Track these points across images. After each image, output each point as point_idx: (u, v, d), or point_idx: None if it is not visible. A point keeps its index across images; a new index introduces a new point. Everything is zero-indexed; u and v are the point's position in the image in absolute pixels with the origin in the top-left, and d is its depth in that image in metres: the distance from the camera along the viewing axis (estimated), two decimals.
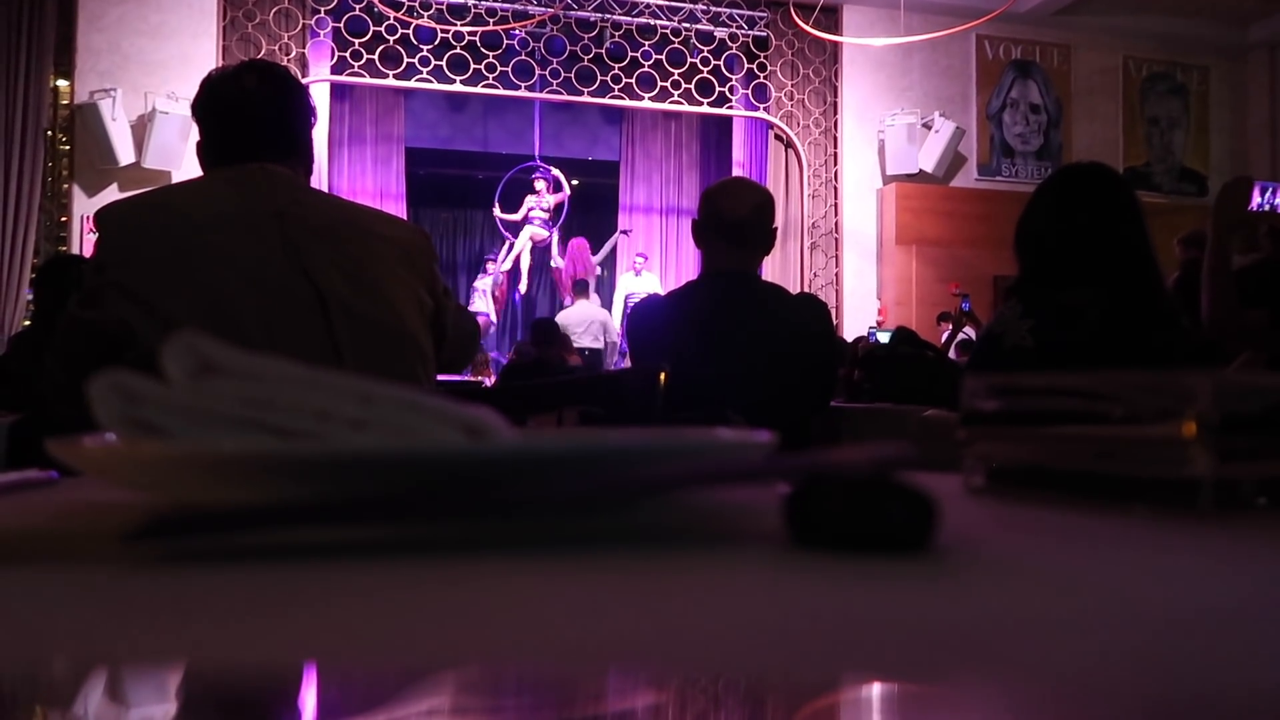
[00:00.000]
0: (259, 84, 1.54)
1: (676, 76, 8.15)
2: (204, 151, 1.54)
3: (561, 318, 7.64)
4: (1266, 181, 2.39)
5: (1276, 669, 0.23)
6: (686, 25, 8.15)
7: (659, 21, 8.13)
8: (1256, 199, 2.48)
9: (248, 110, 1.51)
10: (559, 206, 9.20)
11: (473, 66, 7.77)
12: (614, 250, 9.52)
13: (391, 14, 7.52)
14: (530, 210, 9.13)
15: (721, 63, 8.24)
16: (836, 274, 8.31)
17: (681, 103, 8.26)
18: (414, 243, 1.52)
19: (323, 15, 7.48)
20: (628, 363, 6.49)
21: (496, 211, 9.26)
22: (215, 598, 0.30)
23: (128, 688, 0.23)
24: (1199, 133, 9.15)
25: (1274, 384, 0.45)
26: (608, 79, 8.11)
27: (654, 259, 9.12)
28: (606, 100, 8.27)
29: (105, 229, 1.40)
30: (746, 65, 8.33)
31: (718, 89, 8.27)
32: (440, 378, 1.63)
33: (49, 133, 6.89)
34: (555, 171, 9.16)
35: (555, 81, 8.05)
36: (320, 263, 1.37)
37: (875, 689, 0.22)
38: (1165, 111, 9.09)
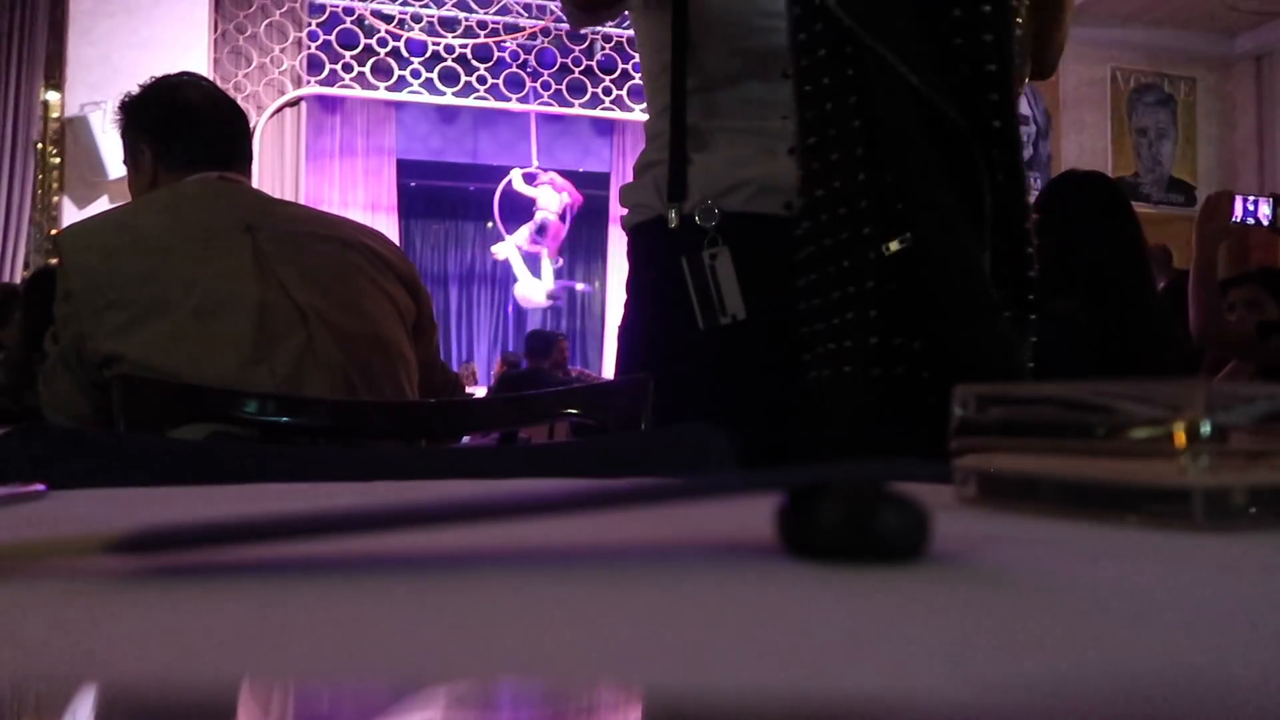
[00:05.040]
0: (204, 94, 1.55)
1: None
2: (157, 161, 1.50)
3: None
4: (1247, 195, 2.43)
5: (1268, 677, 0.23)
6: None
7: None
8: (1238, 211, 2.51)
9: (201, 120, 1.51)
10: (564, 210, 9.01)
11: (464, 79, 7.78)
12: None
13: (383, 26, 7.54)
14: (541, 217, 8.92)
15: None
16: None
17: None
18: (390, 247, 1.53)
19: (314, 28, 7.48)
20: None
21: (500, 228, 9.08)
22: (201, 611, 0.29)
23: (113, 703, 0.23)
24: (1187, 144, 9.19)
25: (1264, 393, 0.45)
26: (598, 91, 8.12)
27: None
28: (597, 112, 8.27)
29: (68, 255, 1.33)
30: None
31: None
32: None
33: (39, 145, 6.87)
34: (557, 178, 8.96)
35: (546, 93, 8.06)
36: (293, 275, 1.36)
37: (866, 700, 0.22)
38: (1153, 122, 9.13)
